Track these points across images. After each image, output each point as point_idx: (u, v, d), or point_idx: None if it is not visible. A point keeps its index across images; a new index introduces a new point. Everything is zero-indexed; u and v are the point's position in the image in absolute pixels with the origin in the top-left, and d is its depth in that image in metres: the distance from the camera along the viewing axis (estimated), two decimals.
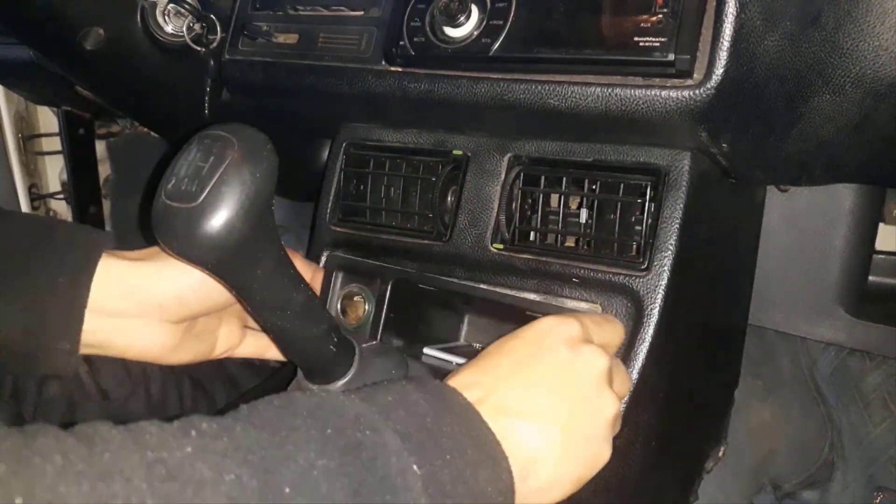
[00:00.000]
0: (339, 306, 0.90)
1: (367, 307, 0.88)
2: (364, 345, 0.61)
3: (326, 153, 1.12)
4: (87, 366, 0.74)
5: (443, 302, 0.91)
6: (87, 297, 0.61)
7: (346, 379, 0.58)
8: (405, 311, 0.90)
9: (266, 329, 0.54)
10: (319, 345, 0.55)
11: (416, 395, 0.49)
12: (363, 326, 0.88)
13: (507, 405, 0.54)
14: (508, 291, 0.83)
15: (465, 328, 0.94)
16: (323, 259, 0.93)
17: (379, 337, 0.85)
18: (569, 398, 0.57)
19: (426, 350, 0.82)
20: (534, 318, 0.63)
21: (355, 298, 0.89)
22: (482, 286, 0.84)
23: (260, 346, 0.80)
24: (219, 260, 0.47)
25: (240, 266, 0.48)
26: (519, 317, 0.79)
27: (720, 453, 1.02)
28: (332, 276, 0.92)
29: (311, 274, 0.88)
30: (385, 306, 0.88)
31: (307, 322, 0.54)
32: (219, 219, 0.45)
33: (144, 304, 0.64)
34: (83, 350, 0.63)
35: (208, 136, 0.48)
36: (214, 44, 0.97)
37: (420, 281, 0.87)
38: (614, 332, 0.71)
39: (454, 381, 0.55)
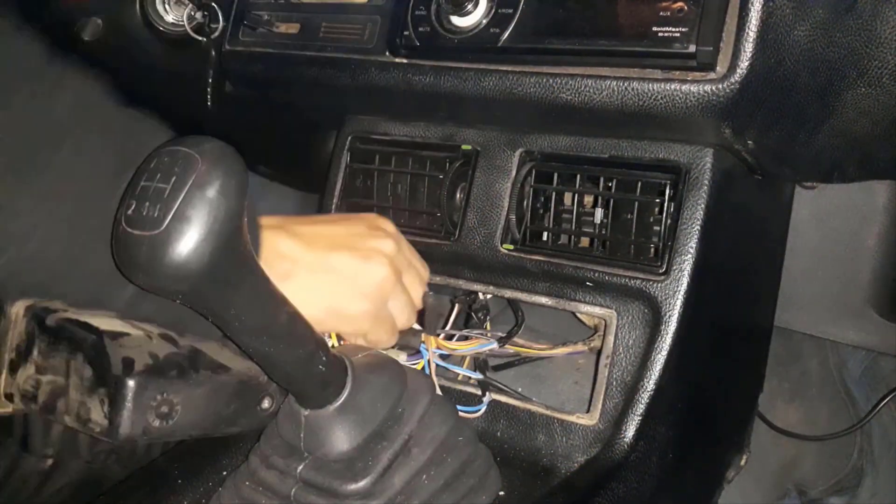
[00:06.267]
0: None
1: None
2: (355, 358, 0.57)
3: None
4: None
5: None
6: None
7: (340, 402, 0.54)
8: None
9: (248, 354, 0.50)
10: (307, 366, 0.52)
11: None
12: None
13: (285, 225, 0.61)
14: (519, 295, 0.80)
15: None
16: None
17: None
18: (342, 245, 0.63)
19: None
20: None
21: None
22: (491, 288, 0.81)
23: None
24: (189, 290, 0.43)
25: (213, 294, 0.45)
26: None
27: (742, 462, 0.98)
28: None
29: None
30: None
31: (291, 343, 0.50)
32: (185, 246, 0.41)
33: None
34: None
35: (168, 153, 0.44)
36: (216, 33, 0.93)
37: None
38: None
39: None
